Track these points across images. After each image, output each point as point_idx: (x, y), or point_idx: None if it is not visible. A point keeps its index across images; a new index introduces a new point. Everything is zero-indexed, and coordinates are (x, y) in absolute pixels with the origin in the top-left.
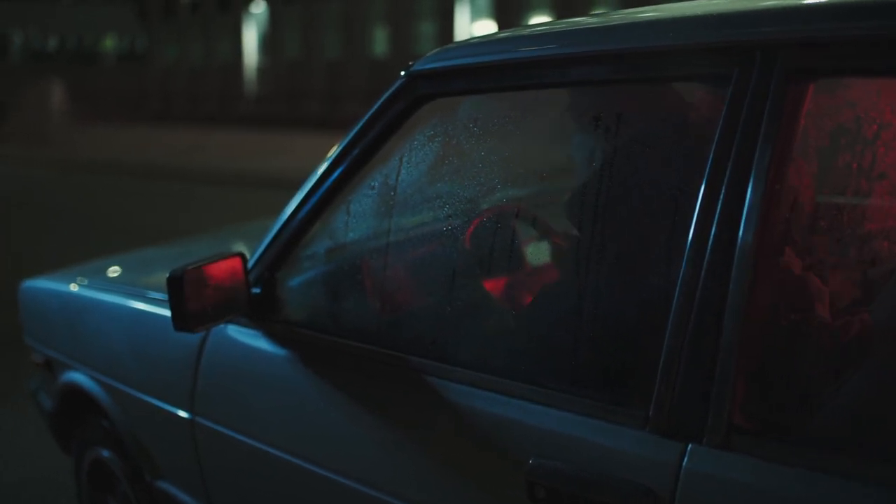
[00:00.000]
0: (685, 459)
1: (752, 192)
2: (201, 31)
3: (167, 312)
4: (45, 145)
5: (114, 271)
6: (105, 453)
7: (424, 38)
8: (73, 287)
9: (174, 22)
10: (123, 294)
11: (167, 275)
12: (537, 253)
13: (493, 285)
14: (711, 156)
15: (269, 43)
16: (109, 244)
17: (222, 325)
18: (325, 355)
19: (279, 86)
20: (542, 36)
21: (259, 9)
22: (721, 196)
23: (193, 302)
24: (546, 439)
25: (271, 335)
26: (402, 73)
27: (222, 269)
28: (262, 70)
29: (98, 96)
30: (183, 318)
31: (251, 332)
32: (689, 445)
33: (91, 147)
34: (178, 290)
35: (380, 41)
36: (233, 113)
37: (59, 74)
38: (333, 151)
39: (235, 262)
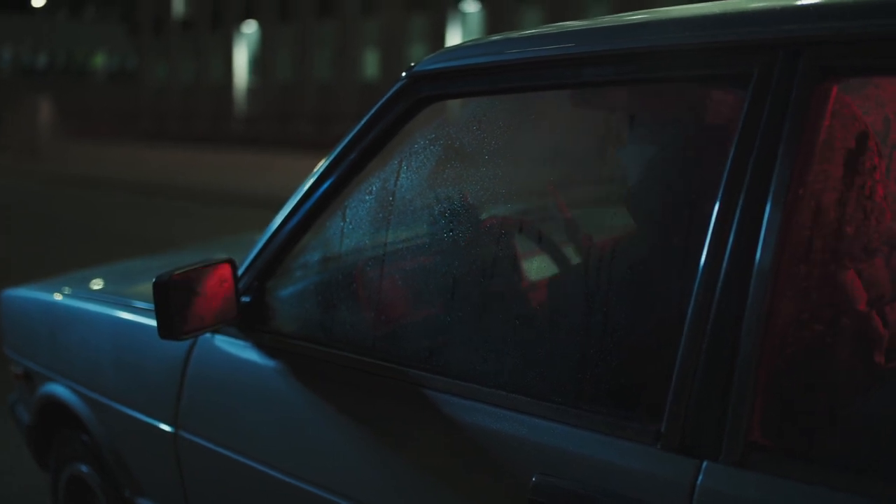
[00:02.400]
0: (700, 477)
1: (773, 197)
2: (192, 50)
3: (152, 322)
4: (34, 160)
5: (97, 281)
6: (84, 469)
7: (416, 62)
8: (55, 296)
9: (165, 41)
10: (106, 304)
11: (153, 280)
12: (543, 261)
13: (496, 295)
14: (730, 160)
15: (260, 63)
16: (98, 257)
17: (209, 335)
18: (318, 367)
19: (270, 106)
20: (551, 36)
21: (251, 29)
22: (740, 201)
23: (180, 309)
24: (551, 456)
25: (261, 346)
26: (403, 74)
27: (211, 276)
28: (254, 90)
29: (88, 114)
30: (169, 326)
31: (240, 342)
32: (705, 463)
33: (81, 163)
34: (164, 296)
35: (371, 64)
36: (224, 133)
37: (49, 91)
38: (329, 156)
39: (225, 269)
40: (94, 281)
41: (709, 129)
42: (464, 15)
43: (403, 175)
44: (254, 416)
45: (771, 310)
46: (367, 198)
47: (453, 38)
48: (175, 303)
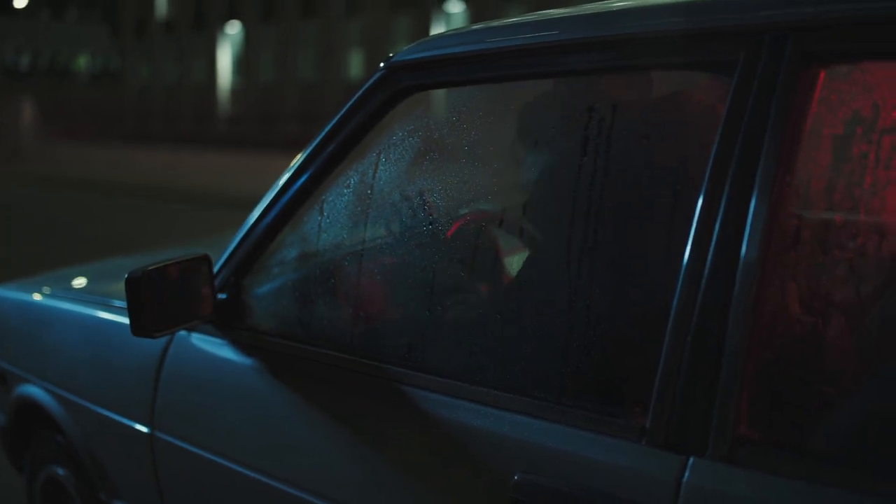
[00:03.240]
0: (686, 474)
1: (759, 185)
2: (175, 51)
3: (127, 320)
4: (18, 161)
5: (73, 280)
6: (59, 471)
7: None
8: (29, 296)
9: (148, 41)
10: (82, 302)
11: (125, 277)
12: (524, 254)
13: (476, 289)
14: (715, 147)
15: (243, 64)
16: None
17: (185, 333)
18: (296, 365)
19: (254, 107)
20: (534, 24)
21: (234, 29)
22: (726, 189)
23: (153, 305)
24: (533, 453)
25: (238, 343)
26: (382, 64)
27: (186, 271)
28: (237, 91)
29: (72, 115)
30: (142, 323)
31: (216, 340)
32: (691, 459)
33: (64, 164)
34: (136, 292)
35: (355, 64)
36: (207, 133)
37: (31, 92)
38: (306, 148)
39: (200, 265)
40: (69, 280)
41: (693, 117)
42: (448, 15)
43: (382, 168)
44: (231, 415)
45: (758, 300)
46: (345, 192)
47: None
48: (148, 299)
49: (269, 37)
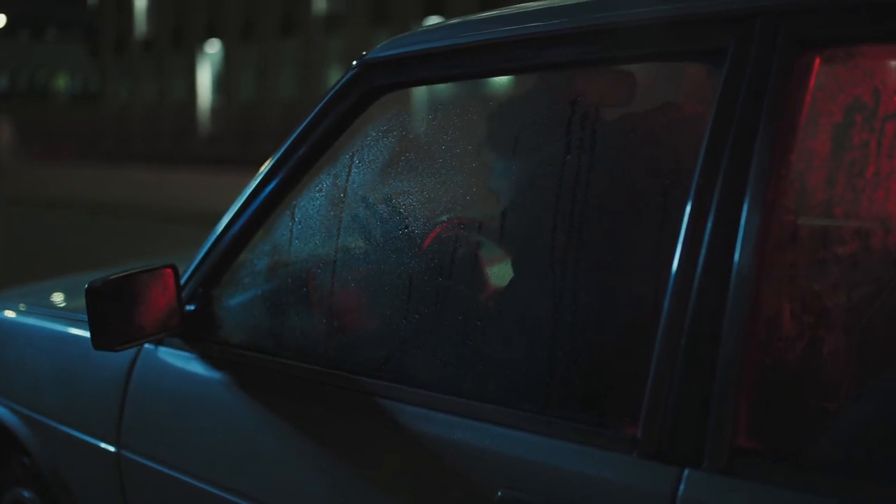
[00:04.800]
0: (681, 487)
1: (753, 183)
2: (155, 69)
3: None
4: None
5: (38, 296)
6: (25, 494)
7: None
8: None
9: (127, 60)
10: (47, 317)
11: (85, 287)
12: (506, 259)
13: (455, 297)
14: (705, 144)
15: (223, 82)
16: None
17: (152, 347)
18: (268, 379)
19: (234, 125)
20: (512, 16)
21: (214, 48)
22: (718, 185)
23: (116, 317)
24: (517, 468)
25: (207, 357)
26: (354, 63)
27: (150, 281)
28: (217, 110)
29: (51, 134)
30: (103, 336)
31: (184, 353)
32: (686, 471)
33: (43, 183)
34: (98, 302)
35: (335, 81)
36: (187, 152)
37: (10, 113)
38: (276, 152)
39: (166, 275)
40: (34, 295)
41: (681, 110)
42: None
43: (356, 172)
44: (200, 432)
45: (754, 302)
46: (317, 197)
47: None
48: (110, 311)
49: (248, 55)
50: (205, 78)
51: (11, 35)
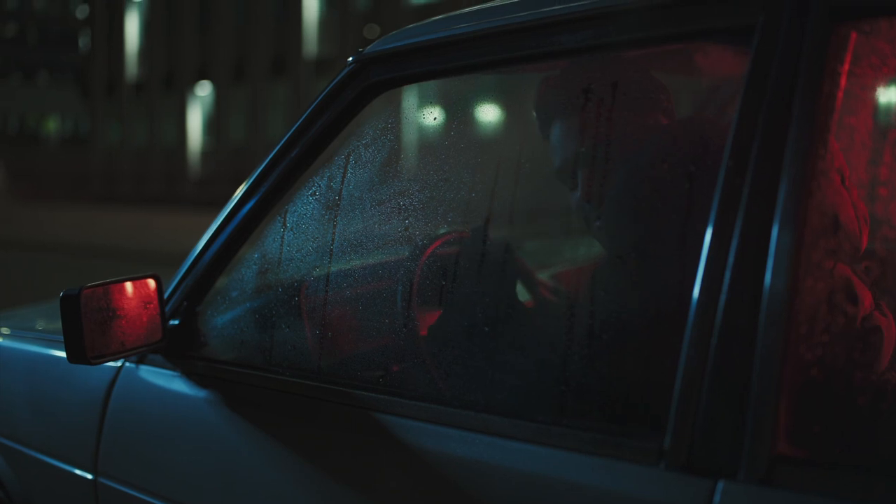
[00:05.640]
0: (715, 501)
1: (789, 165)
2: (146, 112)
3: None
4: None
5: (16, 318)
6: None
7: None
8: None
9: (117, 103)
10: (20, 339)
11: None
12: (515, 259)
13: (461, 301)
14: (735, 126)
15: (214, 124)
16: None
17: (132, 366)
18: (257, 397)
19: (224, 168)
20: (523, 1)
21: (205, 91)
22: (749, 172)
23: (92, 328)
24: (532, 484)
25: (192, 375)
26: (350, 59)
27: (132, 292)
28: (207, 152)
29: (41, 177)
30: (78, 349)
31: (167, 371)
32: (720, 483)
33: (32, 226)
34: (73, 312)
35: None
36: (177, 194)
37: (1, 154)
38: (268, 156)
39: (148, 286)
40: (8, 319)
41: (707, 94)
42: None
43: (351, 175)
44: (184, 454)
45: (794, 292)
46: (310, 202)
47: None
48: (87, 321)
49: (239, 98)
50: (195, 120)
51: (3, 78)
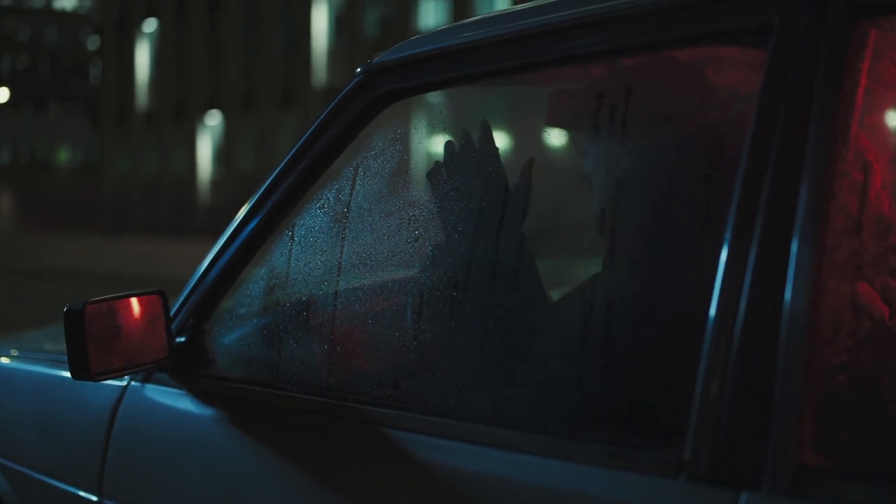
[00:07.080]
0: None
1: (809, 167)
2: (156, 141)
3: None
4: None
5: (21, 341)
6: None
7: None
8: None
9: (127, 132)
10: (25, 360)
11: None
12: (527, 263)
13: (472, 311)
14: (752, 129)
15: (223, 153)
16: None
17: (138, 385)
18: (264, 414)
19: (234, 197)
20: (537, 7)
21: (214, 120)
22: (768, 174)
23: (97, 343)
24: (545, 499)
25: (199, 393)
26: (358, 70)
27: (137, 308)
28: (217, 181)
29: (52, 206)
30: (82, 365)
31: (173, 390)
32: (744, 495)
33: (43, 255)
34: (77, 327)
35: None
36: (187, 223)
37: (12, 185)
38: (274, 171)
39: (154, 303)
40: (13, 341)
41: (722, 98)
42: None
43: (360, 188)
44: (192, 474)
45: (818, 295)
46: (319, 217)
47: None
48: (91, 336)
49: (248, 126)
50: (205, 149)
51: (14, 108)
